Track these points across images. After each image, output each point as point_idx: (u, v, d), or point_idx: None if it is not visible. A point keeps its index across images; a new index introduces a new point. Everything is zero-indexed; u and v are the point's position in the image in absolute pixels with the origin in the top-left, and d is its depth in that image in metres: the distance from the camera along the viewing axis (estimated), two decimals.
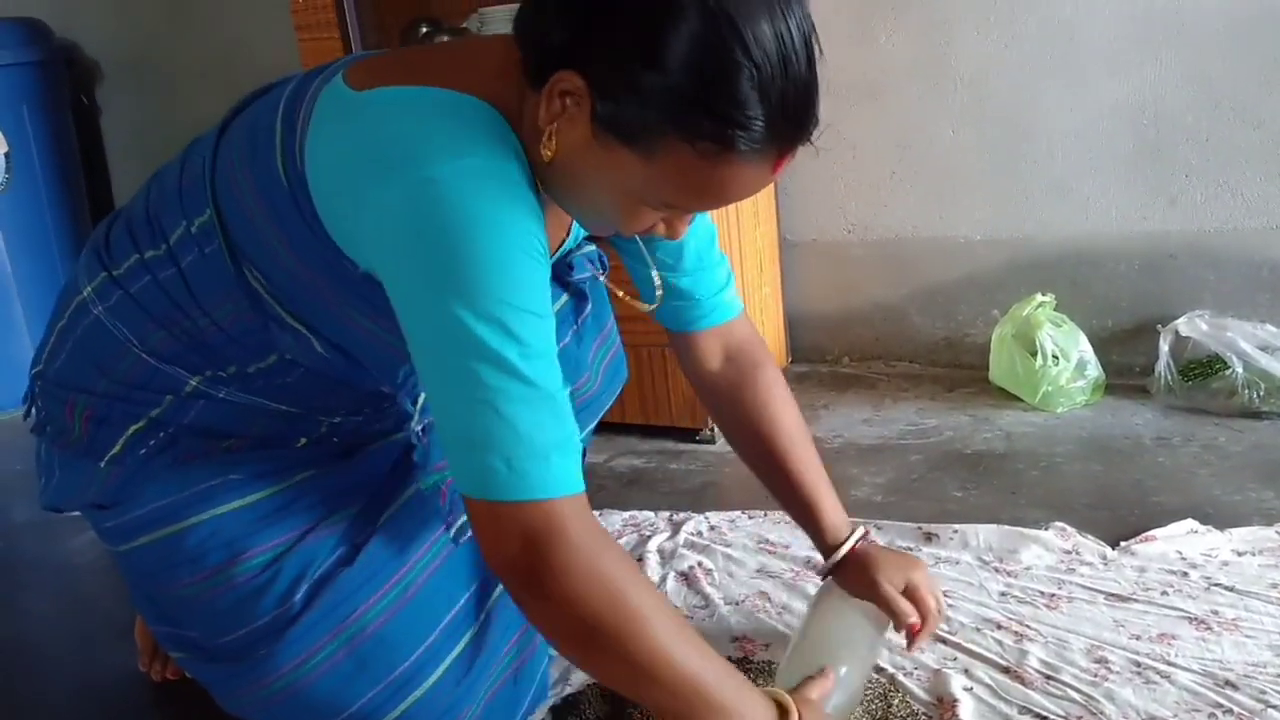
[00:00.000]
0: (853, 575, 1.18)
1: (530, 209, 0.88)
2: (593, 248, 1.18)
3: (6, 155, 2.64)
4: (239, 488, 1.09)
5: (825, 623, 1.18)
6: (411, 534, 1.14)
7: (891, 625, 1.16)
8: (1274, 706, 1.12)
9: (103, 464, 1.10)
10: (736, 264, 2.16)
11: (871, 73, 2.26)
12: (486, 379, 0.84)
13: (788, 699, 0.96)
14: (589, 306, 1.17)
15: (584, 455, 1.36)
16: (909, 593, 1.14)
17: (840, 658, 1.10)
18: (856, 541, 1.19)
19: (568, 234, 1.11)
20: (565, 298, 1.13)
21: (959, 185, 2.26)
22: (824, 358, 2.48)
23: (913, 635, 1.15)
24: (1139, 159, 2.12)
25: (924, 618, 1.14)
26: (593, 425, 1.21)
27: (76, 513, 1.17)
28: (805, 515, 1.22)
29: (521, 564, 0.86)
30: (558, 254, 1.09)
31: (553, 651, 1.31)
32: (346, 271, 0.95)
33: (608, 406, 1.25)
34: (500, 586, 1.19)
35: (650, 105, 0.82)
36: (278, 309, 1.01)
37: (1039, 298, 2.10)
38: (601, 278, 1.20)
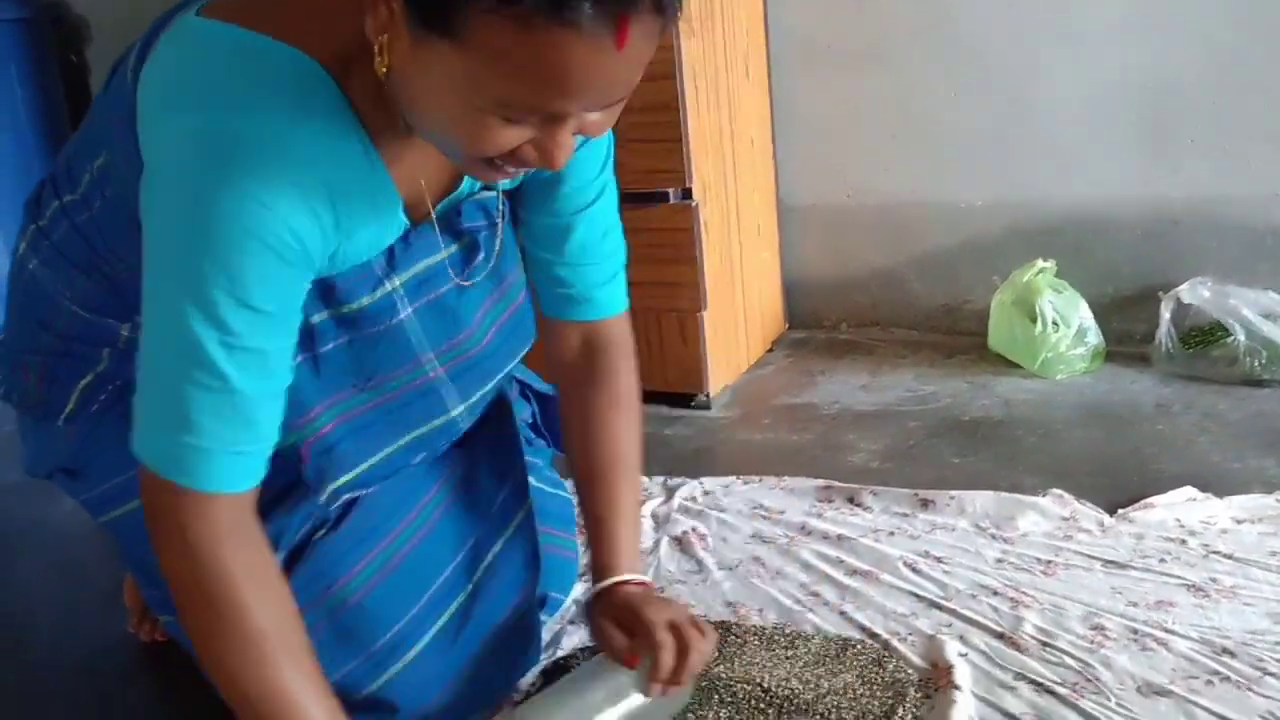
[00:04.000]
0: (596, 615, 1.05)
1: (303, 187, 0.82)
2: (492, 194, 1.08)
3: None
4: None
5: (562, 681, 1.05)
6: (399, 500, 1.12)
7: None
8: (1271, 674, 1.11)
9: (60, 423, 1.09)
10: (734, 228, 2.14)
11: (873, 35, 2.22)
12: (179, 355, 0.82)
13: None
14: (479, 257, 1.07)
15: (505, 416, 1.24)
16: (639, 624, 0.99)
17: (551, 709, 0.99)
18: (624, 582, 1.06)
19: (460, 178, 1.03)
20: (454, 247, 1.04)
21: (960, 150, 2.23)
22: (821, 324, 2.46)
23: (653, 681, 0.98)
24: (1143, 124, 2.08)
25: (650, 645, 0.97)
26: (490, 385, 1.13)
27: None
28: (595, 542, 1.11)
29: (155, 528, 0.87)
30: (448, 199, 1.03)
31: (545, 616, 1.30)
32: None
33: (508, 366, 1.17)
34: (493, 552, 1.17)
35: None
36: None
37: (1040, 264, 2.08)
38: (500, 225, 1.10)
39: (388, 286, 0.99)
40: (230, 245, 0.79)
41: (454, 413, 1.10)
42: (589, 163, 1.07)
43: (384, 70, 0.80)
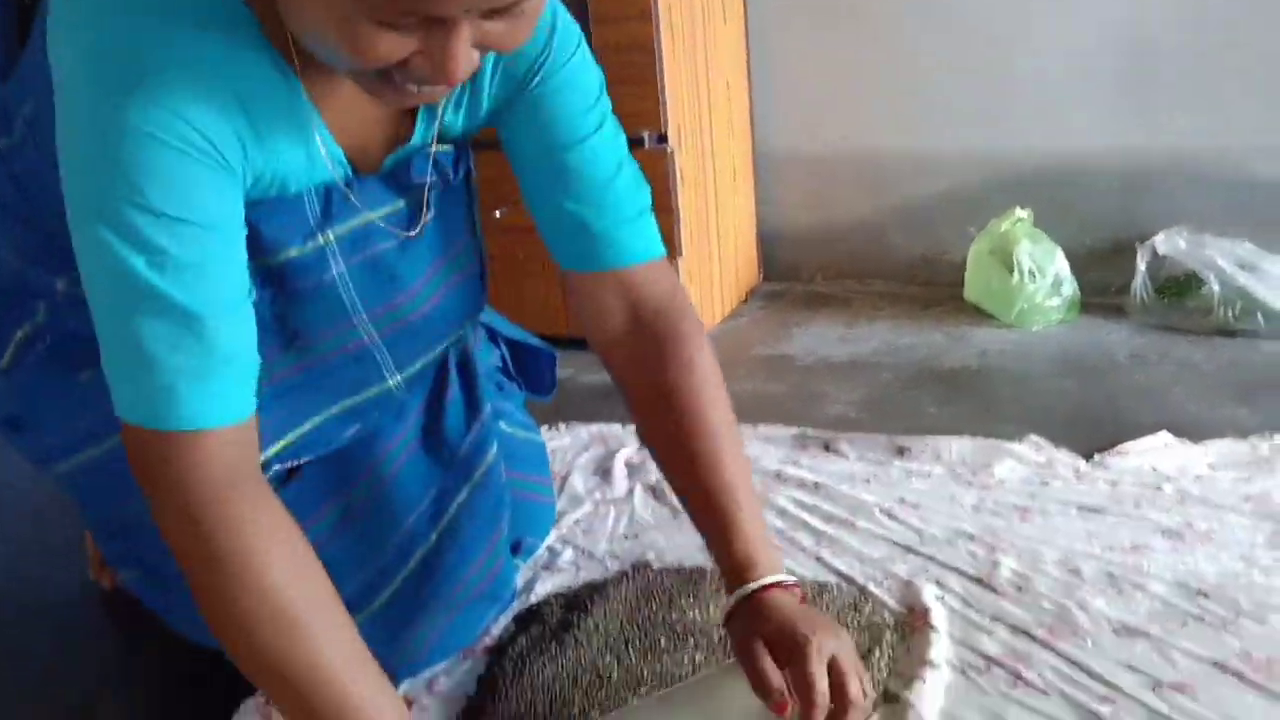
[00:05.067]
0: (741, 628, 0.88)
1: (210, 91, 0.75)
2: (448, 147, 1.01)
3: None
4: None
5: (675, 697, 0.93)
6: (358, 451, 1.08)
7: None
8: (1245, 614, 1.11)
9: None
10: (710, 176, 2.10)
11: None
12: (115, 288, 0.75)
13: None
14: (428, 215, 1.00)
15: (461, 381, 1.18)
16: (797, 655, 0.82)
17: None
18: (770, 584, 0.89)
19: (412, 129, 0.96)
20: (400, 203, 0.97)
21: (940, 98, 2.21)
22: (798, 276, 2.44)
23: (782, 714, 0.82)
24: (1124, 75, 2.07)
25: (805, 700, 0.81)
26: (430, 357, 1.07)
27: None
28: (719, 538, 0.93)
29: (144, 483, 0.79)
30: (400, 151, 0.97)
31: (520, 561, 1.28)
32: None
33: (449, 338, 1.10)
34: (458, 500, 1.14)
35: None
36: None
37: (1018, 213, 2.07)
38: (452, 181, 1.03)
39: (320, 240, 0.93)
40: (133, 155, 0.72)
41: (390, 382, 1.05)
42: (575, 90, 0.98)
43: None
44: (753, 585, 0.89)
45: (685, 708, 0.89)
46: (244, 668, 0.78)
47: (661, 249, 1.02)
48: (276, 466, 1.01)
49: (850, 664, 0.84)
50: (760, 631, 0.85)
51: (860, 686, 0.83)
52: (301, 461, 1.03)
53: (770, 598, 0.88)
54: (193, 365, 0.76)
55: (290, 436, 1.01)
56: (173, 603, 1.07)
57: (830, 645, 0.83)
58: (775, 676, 0.82)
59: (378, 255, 0.98)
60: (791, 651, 0.82)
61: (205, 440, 0.77)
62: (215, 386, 0.78)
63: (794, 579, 0.91)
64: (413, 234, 1.00)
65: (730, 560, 0.91)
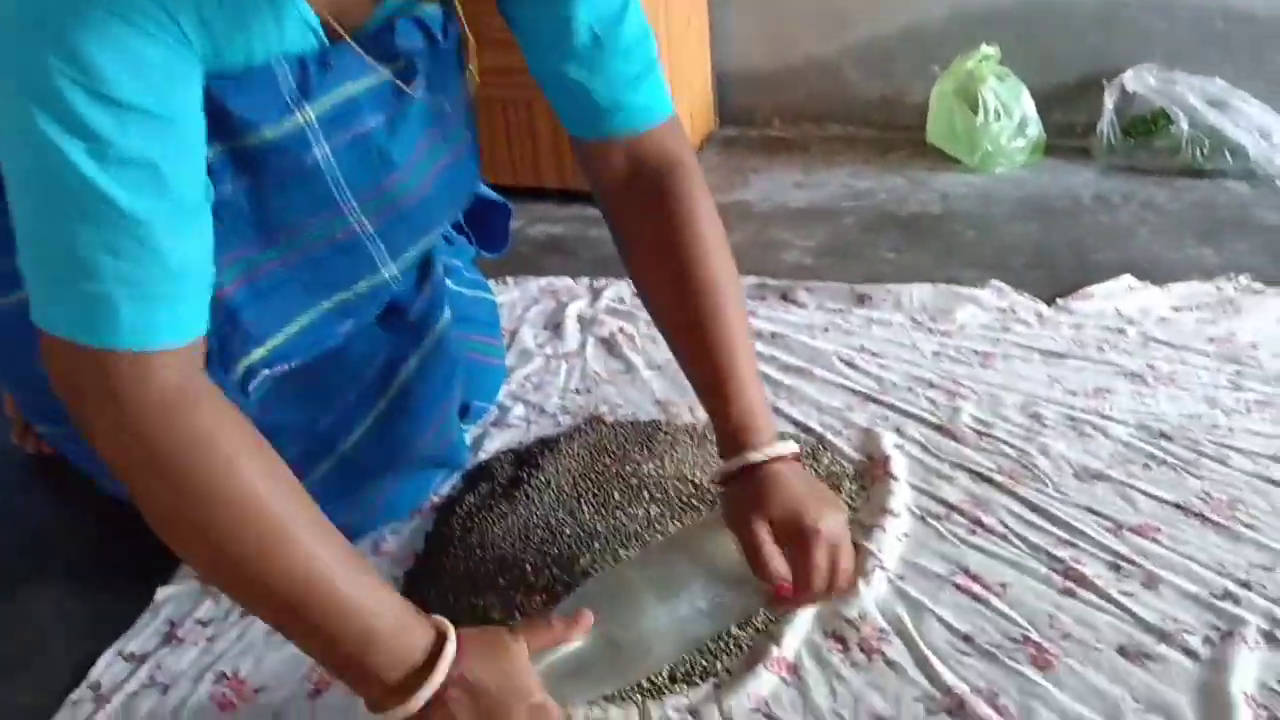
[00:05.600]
0: (740, 498, 0.86)
1: None
2: (434, 7, 0.91)
3: None
4: None
5: (661, 552, 0.90)
6: None
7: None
8: (1207, 456, 1.10)
9: None
10: (661, 15, 1.98)
11: None
12: (44, 180, 0.65)
13: (449, 628, 0.74)
14: (416, 85, 0.91)
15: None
16: (800, 540, 0.82)
17: (636, 603, 0.81)
18: (774, 457, 0.86)
19: None
20: (385, 72, 0.88)
21: None
22: (754, 120, 2.34)
23: (779, 596, 0.84)
24: None
25: (800, 581, 0.83)
26: (423, 242, 1.00)
27: None
28: (718, 401, 0.89)
29: (72, 399, 0.70)
30: (380, 12, 0.87)
31: (468, 425, 1.23)
32: None
33: (445, 222, 1.04)
34: (410, 366, 1.08)
35: None
36: None
37: (984, 49, 1.97)
38: (441, 44, 0.93)
39: (299, 118, 0.82)
40: (74, 22, 0.62)
41: (385, 274, 0.96)
42: None
43: None
44: (757, 456, 0.86)
45: (676, 562, 0.86)
46: (224, 586, 0.75)
47: (669, 106, 0.95)
48: (265, 372, 0.92)
49: (846, 547, 0.84)
50: (765, 512, 0.83)
51: (851, 566, 0.85)
52: (291, 365, 0.95)
53: (774, 472, 0.85)
54: (136, 277, 0.67)
55: (278, 337, 0.92)
56: (98, 460, 1.01)
57: (835, 534, 0.83)
58: (780, 564, 0.82)
59: (365, 134, 0.88)
60: (797, 539, 0.82)
61: (148, 359, 0.68)
62: (161, 302, 0.69)
63: (796, 447, 0.88)
64: (400, 108, 0.89)
65: (728, 422, 0.88)
